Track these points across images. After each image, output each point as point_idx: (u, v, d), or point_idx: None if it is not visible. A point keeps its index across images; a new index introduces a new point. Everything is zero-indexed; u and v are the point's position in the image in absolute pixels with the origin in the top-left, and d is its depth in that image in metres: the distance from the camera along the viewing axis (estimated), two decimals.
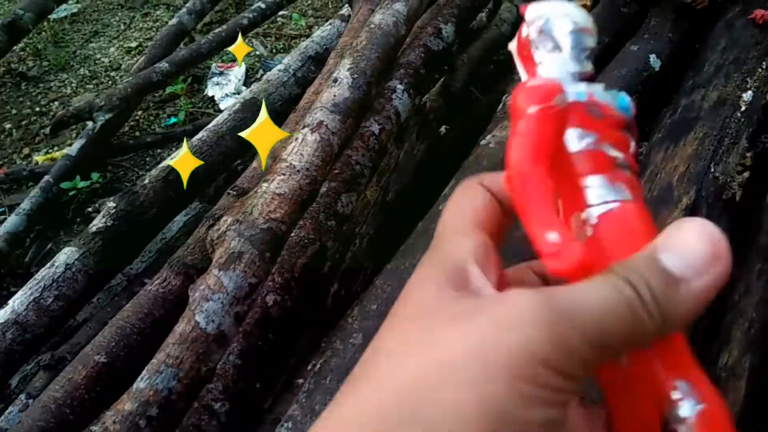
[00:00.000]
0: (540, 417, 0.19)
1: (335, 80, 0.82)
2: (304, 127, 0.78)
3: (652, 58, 1.00)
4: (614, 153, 0.23)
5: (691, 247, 0.20)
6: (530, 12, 0.25)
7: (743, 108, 0.90)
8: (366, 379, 0.21)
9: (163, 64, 1.43)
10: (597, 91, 0.24)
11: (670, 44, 1.04)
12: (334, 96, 0.80)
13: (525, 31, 0.25)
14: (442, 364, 0.19)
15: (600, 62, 1.04)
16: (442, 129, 1.35)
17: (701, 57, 1.01)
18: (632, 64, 0.99)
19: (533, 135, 0.22)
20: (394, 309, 0.23)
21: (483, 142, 0.91)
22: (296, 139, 0.77)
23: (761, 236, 0.83)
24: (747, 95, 0.92)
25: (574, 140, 0.23)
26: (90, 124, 1.60)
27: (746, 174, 0.84)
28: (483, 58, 1.38)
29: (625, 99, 0.25)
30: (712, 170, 0.83)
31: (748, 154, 0.86)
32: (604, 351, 0.20)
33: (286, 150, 0.76)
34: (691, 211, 0.78)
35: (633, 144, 0.25)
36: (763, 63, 0.96)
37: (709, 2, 1.05)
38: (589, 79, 0.25)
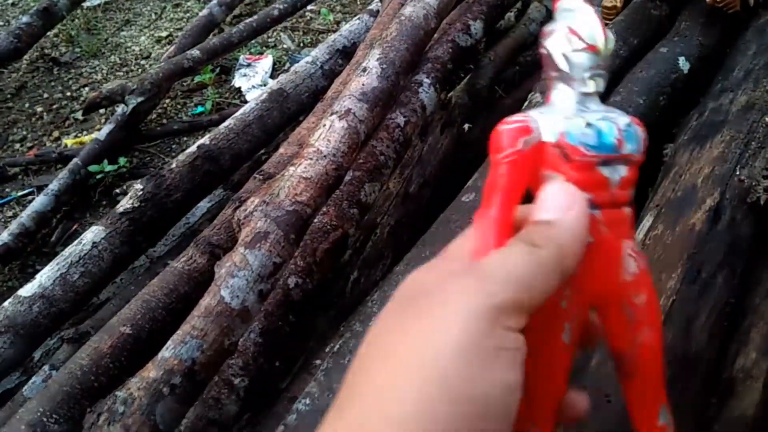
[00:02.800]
0: (505, 380, 0.22)
1: (364, 69, 0.83)
2: (332, 114, 0.79)
3: (681, 60, 1.00)
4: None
5: (548, 198, 0.25)
6: (544, 28, 0.26)
7: None
8: (352, 404, 0.23)
9: (195, 51, 1.46)
10: (576, 127, 0.24)
11: (700, 47, 1.03)
12: (363, 85, 0.81)
13: (540, 45, 0.26)
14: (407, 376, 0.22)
15: (629, 64, 1.04)
16: (466, 126, 1.36)
17: (731, 61, 1.00)
18: (661, 66, 0.99)
19: (497, 182, 0.25)
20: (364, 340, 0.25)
21: None
22: (324, 125, 0.78)
23: None
24: None
25: (546, 180, 0.25)
26: (119, 110, 1.63)
27: None
28: (509, 57, 1.38)
29: (609, 135, 0.24)
30: (738, 173, 0.82)
31: None
32: (530, 298, 0.23)
33: (313, 136, 0.77)
34: (715, 212, 0.78)
35: (617, 177, 0.25)
36: None
37: (741, 6, 1.05)
38: (602, 96, 0.26)
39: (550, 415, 0.25)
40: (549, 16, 1.43)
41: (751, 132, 0.87)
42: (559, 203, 0.25)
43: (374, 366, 0.23)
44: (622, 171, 0.25)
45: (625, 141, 0.25)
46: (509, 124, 0.24)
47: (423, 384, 0.21)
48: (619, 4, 1.13)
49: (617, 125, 0.24)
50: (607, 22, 1.13)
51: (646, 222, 0.80)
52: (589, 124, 0.24)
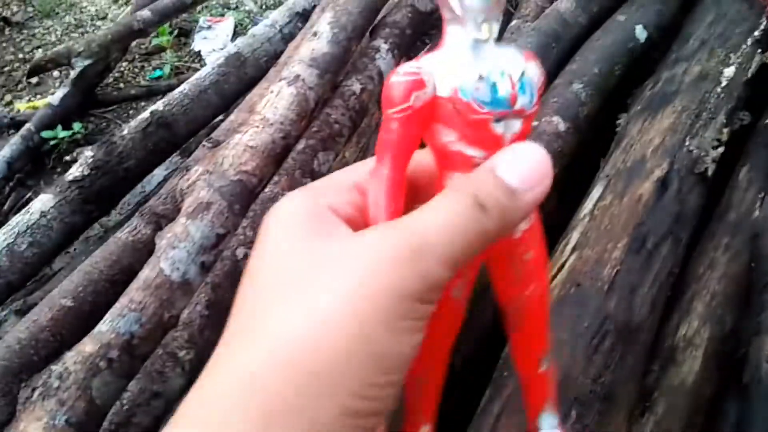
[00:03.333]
0: (413, 343, 0.21)
1: (315, 34, 0.81)
2: (280, 80, 0.77)
3: (639, 29, 1.00)
4: (474, 152, 0.23)
5: (526, 163, 0.23)
6: None
7: (724, 83, 0.90)
8: (245, 341, 0.22)
9: (146, 12, 1.41)
10: (469, 81, 0.23)
11: (659, 16, 1.03)
12: (313, 50, 0.79)
13: None
14: (317, 318, 0.21)
15: (588, 32, 1.03)
16: None
17: (687, 30, 1.00)
18: (618, 34, 0.99)
19: (390, 138, 0.23)
20: (253, 266, 0.24)
21: None
22: (272, 92, 0.76)
23: (730, 213, 0.84)
24: (729, 71, 0.92)
25: (438, 135, 0.24)
26: (72, 73, 1.57)
27: (721, 149, 0.84)
28: None
29: (503, 89, 0.23)
30: (687, 144, 0.83)
31: (725, 130, 0.86)
32: (458, 266, 0.22)
33: (260, 103, 0.75)
34: (663, 183, 0.79)
35: (510, 134, 0.24)
36: (748, 39, 0.96)
37: None
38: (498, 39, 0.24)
39: (440, 367, 0.26)
40: None
41: (703, 102, 0.88)
42: (530, 173, 0.23)
43: (277, 308, 0.22)
44: (515, 127, 0.24)
45: (519, 95, 0.23)
46: (401, 77, 0.23)
47: (345, 337, 0.20)
48: None
49: (511, 77, 0.23)
50: None
51: (596, 192, 0.80)
52: (481, 77, 0.23)
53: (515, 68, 0.24)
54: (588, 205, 0.79)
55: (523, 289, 0.26)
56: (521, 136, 0.24)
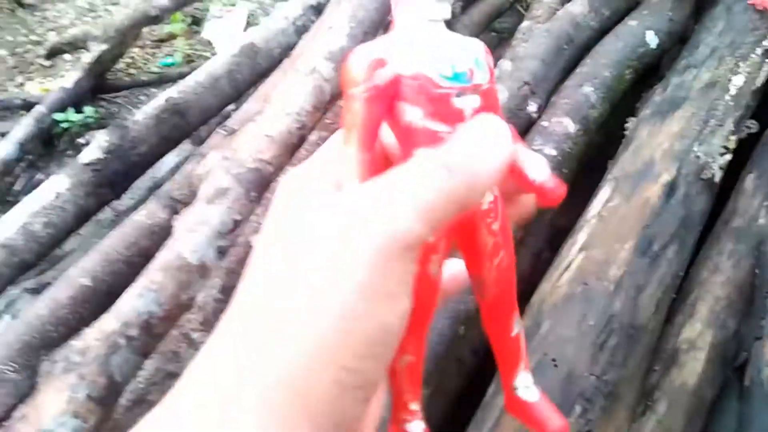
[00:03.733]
0: (397, 311, 0.22)
1: (331, 27, 0.83)
2: (297, 71, 0.78)
3: (650, 34, 1.01)
4: (439, 128, 0.24)
5: (485, 131, 0.24)
6: None
7: (732, 92, 0.92)
8: (239, 320, 0.22)
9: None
10: (430, 58, 0.23)
11: (669, 22, 1.04)
12: (329, 43, 0.80)
13: None
14: (302, 294, 0.21)
15: (599, 35, 1.05)
16: None
17: (697, 37, 1.01)
18: (629, 39, 1.00)
19: (355, 120, 0.23)
20: (257, 239, 0.25)
21: None
22: (289, 82, 0.77)
23: (735, 219, 0.86)
24: (738, 79, 0.93)
25: (403, 114, 0.24)
26: (86, 57, 1.59)
27: (728, 156, 0.85)
28: (485, 23, 1.38)
29: (462, 65, 0.24)
30: (695, 150, 0.85)
31: (733, 138, 0.88)
32: (432, 224, 0.22)
33: (277, 93, 0.77)
34: (670, 187, 0.81)
35: (470, 109, 0.24)
36: (757, 49, 0.97)
37: None
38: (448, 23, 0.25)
39: (421, 343, 0.27)
40: None
41: (711, 110, 0.89)
42: (493, 139, 0.24)
43: (269, 300, 0.22)
44: (474, 102, 0.24)
45: (476, 70, 0.24)
46: (363, 56, 0.23)
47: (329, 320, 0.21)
48: None
49: (466, 54, 0.24)
50: None
51: (604, 194, 0.82)
52: (440, 54, 0.24)
53: (469, 47, 0.25)
54: (596, 206, 0.81)
55: (493, 257, 0.27)
56: (479, 113, 0.25)
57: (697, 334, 0.77)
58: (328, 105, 0.83)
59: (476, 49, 0.25)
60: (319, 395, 0.20)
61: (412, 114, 0.24)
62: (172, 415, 0.21)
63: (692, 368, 0.73)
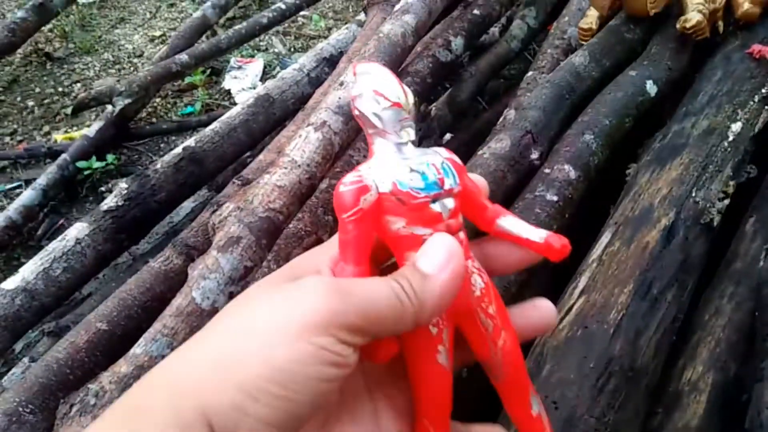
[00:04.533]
0: (317, 373, 0.25)
1: (341, 84, 0.87)
2: (308, 125, 0.82)
3: (649, 84, 1.04)
4: (422, 231, 0.28)
5: (435, 252, 0.28)
6: (353, 89, 0.29)
7: (731, 138, 0.94)
8: (195, 345, 0.27)
9: (183, 56, 1.49)
10: (403, 175, 0.28)
11: (668, 72, 1.07)
12: (339, 98, 0.85)
13: (353, 108, 0.30)
14: (248, 332, 0.26)
15: (600, 85, 1.08)
16: (447, 136, 1.40)
17: (697, 86, 1.04)
18: (629, 88, 1.03)
19: (348, 239, 0.28)
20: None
21: (480, 152, 0.96)
22: (300, 135, 0.81)
23: (736, 262, 0.87)
24: (736, 126, 0.96)
25: (389, 225, 0.28)
26: (109, 107, 1.66)
27: (726, 201, 0.87)
28: (491, 72, 1.42)
29: (431, 175, 0.28)
30: (694, 195, 0.87)
31: (731, 183, 0.90)
32: (374, 326, 0.26)
33: (289, 146, 0.81)
34: (669, 231, 0.82)
35: (447, 210, 0.29)
36: (756, 96, 1.00)
37: (710, 33, 1.09)
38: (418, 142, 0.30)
39: (444, 423, 0.30)
40: (530, 33, 1.48)
41: (710, 156, 0.91)
42: (439, 259, 0.28)
43: (229, 321, 0.28)
44: (449, 204, 0.29)
45: (445, 177, 0.29)
46: (348, 186, 0.28)
47: (264, 348, 0.25)
48: (594, 26, 1.17)
49: (435, 165, 0.28)
50: (583, 42, 1.17)
51: (604, 238, 0.84)
52: (412, 170, 0.28)
53: (435, 159, 0.29)
54: (597, 250, 0.83)
55: (495, 339, 0.30)
56: (457, 211, 0.29)
57: (699, 376, 0.77)
58: (337, 155, 0.87)
59: (441, 159, 0.29)
60: (218, 410, 0.24)
61: (397, 224, 0.28)
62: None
63: (694, 410, 0.74)
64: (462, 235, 0.29)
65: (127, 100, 1.37)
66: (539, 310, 0.31)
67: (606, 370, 0.69)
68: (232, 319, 0.27)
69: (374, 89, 0.28)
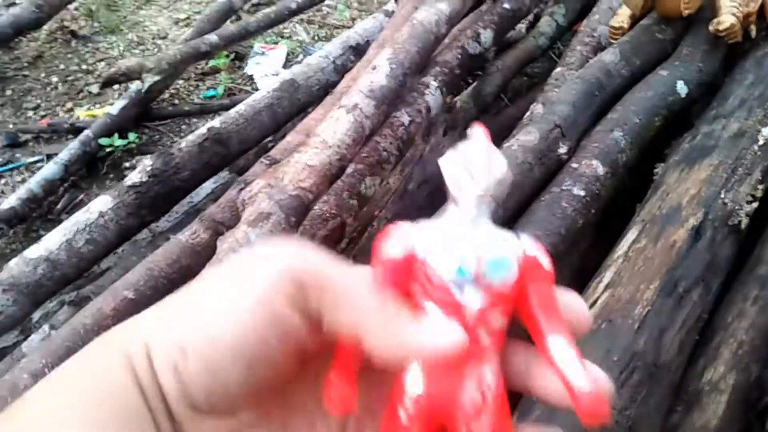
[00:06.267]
0: (260, 334, 0.23)
1: (374, 67, 0.87)
2: (340, 107, 0.83)
3: (680, 84, 1.04)
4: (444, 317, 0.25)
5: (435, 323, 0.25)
6: (447, 151, 0.27)
7: (761, 142, 0.94)
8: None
9: (213, 36, 1.49)
10: (440, 251, 0.25)
11: (699, 73, 1.07)
12: (371, 82, 0.85)
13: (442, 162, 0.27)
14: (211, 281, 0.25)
15: (630, 83, 1.08)
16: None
17: (727, 89, 1.04)
18: (659, 88, 1.03)
19: (378, 284, 0.25)
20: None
21: (507, 144, 0.96)
22: (332, 117, 0.82)
23: (761, 266, 0.87)
24: (766, 130, 0.95)
25: (415, 293, 0.26)
26: (133, 86, 1.67)
27: (755, 204, 0.87)
28: (517, 68, 1.42)
29: (469, 265, 0.25)
30: (722, 196, 0.86)
31: (760, 186, 0.89)
32: (331, 299, 0.24)
33: (320, 126, 0.81)
34: (697, 231, 0.82)
35: (474, 308, 0.25)
36: None
37: (742, 37, 1.08)
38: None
39: None
40: (559, 31, 1.47)
41: (740, 159, 0.91)
42: (438, 328, 0.25)
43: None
44: (478, 300, 0.25)
45: (488, 273, 0.25)
46: (393, 235, 0.26)
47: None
48: (626, 25, 1.16)
49: (482, 258, 0.25)
50: (613, 41, 1.17)
51: (631, 235, 0.84)
52: (450, 249, 0.25)
53: (494, 250, 0.25)
54: (623, 246, 0.83)
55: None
56: (488, 313, 0.25)
57: (720, 377, 0.77)
58: (367, 139, 0.87)
59: (508, 251, 0.25)
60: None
61: (420, 296, 0.26)
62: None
63: (714, 411, 0.73)
64: (486, 341, 0.25)
65: (156, 77, 1.37)
66: (572, 311, 0.26)
67: (629, 365, 0.69)
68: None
69: (467, 166, 0.26)
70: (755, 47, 1.10)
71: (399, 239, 0.26)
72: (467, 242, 0.25)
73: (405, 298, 0.26)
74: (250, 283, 0.24)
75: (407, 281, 0.26)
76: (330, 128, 0.81)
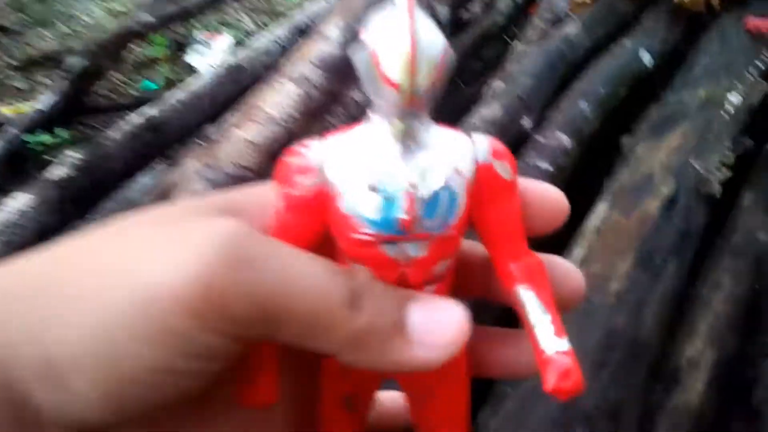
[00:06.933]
0: (162, 362, 0.17)
1: (323, 36, 0.79)
2: (285, 77, 0.75)
3: (644, 54, 1.00)
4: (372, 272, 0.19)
5: (440, 326, 0.20)
6: (362, 27, 0.18)
7: (729, 109, 0.90)
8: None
9: (145, 15, 1.39)
10: (355, 191, 0.18)
11: (663, 43, 1.04)
12: (321, 51, 0.77)
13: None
14: (87, 278, 0.17)
15: (593, 55, 1.03)
16: None
17: (692, 58, 1.01)
18: (624, 58, 0.99)
19: (278, 226, 0.19)
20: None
21: (469, 119, 0.90)
22: (276, 89, 0.74)
23: (734, 236, 0.83)
24: (734, 98, 0.92)
25: (335, 237, 0.20)
26: (62, 78, 1.54)
27: (727, 173, 0.83)
28: (473, 49, 1.36)
29: (396, 209, 0.18)
30: (694, 165, 0.82)
31: (730, 154, 0.85)
32: (274, 324, 0.17)
33: (263, 99, 0.73)
34: (670, 201, 0.77)
35: (407, 258, 0.19)
36: (752, 69, 0.96)
37: (705, 7, 1.05)
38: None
39: None
40: (516, 9, 1.42)
41: (709, 126, 0.87)
42: (442, 337, 0.19)
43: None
44: (414, 251, 0.19)
45: (423, 217, 0.18)
46: (290, 157, 0.19)
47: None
48: (589, 0, 1.12)
49: (414, 195, 0.18)
50: (574, 15, 1.12)
51: (601, 208, 0.78)
52: (373, 188, 0.18)
53: (433, 178, 0.18)
54: (594, 220, 0.77)
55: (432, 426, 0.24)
56: (426, 262, 0.19)
57: (698, 353, 0.72)
58: (317, 113, 0.79)
59: (451, 174, 0.18)
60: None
61: (341, 244, 0.19)
62: None
63: (694, 387, 0.68)
64: (431, 289, 0.20)
65: (84, 61, 1.26)
66: (564, 278, 0.22)
67: (608, 344, 0.64)
68: (80, 255, 0.18)
69: (374, 43, 0.17)
70: (718, 17, 1.07)
71: (306, 168, 0.18)
72: (396, 168, 0.18)
73: (321, 252, 0.18)
74: (140, 292, 0.16)
75: (318, 225, 0.19)
76: (274, 101, 0.73)
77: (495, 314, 0.60)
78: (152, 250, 0.17)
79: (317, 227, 0.19)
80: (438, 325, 0.19)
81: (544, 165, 0.82)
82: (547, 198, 0.21)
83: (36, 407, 0.17)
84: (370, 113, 0.18)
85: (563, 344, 0.19)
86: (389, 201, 0.18)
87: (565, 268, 0.22)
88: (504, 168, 0.19)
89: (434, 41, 0.17)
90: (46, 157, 1.50)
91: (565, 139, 0.85)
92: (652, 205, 0.77)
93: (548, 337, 0.19)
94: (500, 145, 0.19)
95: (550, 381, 0.18)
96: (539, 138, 0.85)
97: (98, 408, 0.17)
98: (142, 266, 0.17)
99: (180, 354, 0.16)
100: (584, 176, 0.89)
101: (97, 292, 0.17)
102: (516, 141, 0.87)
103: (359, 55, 0.17)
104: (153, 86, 1.79)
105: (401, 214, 0.18)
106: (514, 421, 0.59)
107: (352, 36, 0.86)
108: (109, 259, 0.18)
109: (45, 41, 2.00)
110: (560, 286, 0.21)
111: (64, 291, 0.17)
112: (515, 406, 0.59)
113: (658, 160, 0.82)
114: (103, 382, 0.16)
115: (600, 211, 0.78)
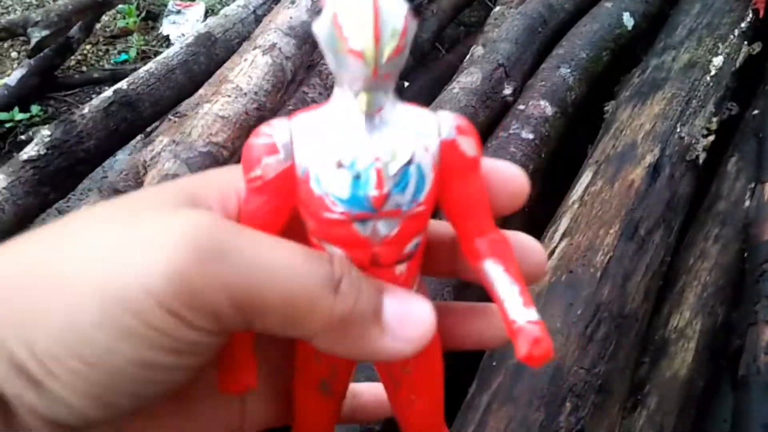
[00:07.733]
0: (140, 358, 0.17)
1: (293, 2, 0.76)
2: (255, 48, 0.72)
3: (626, 16, 0.97)
4: (335, 251, 0.20)
5: (413, 320, 0.20)
6: None
7: (713, 72, 0.88)
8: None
9: None
10: (325, 167, 0.18)
11: (645, 4, 1.01)
12: (291, 18, 0.74)
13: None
14: (58, 267, 0.17)
15: (574, 18, 1.00)
16: (404, 83, 1.30)
17: (674, 19, 0.98)
18: (605, 20, 0.96)
19: (246, 210, 0.19)
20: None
21: (449, 87, 0.87)
22: (245, 60, 0.71)
23: (719, 202, 0.82)
24: (717, 60, 0.90)
25: (303, 219, 0.20)
26: (29, 45, 1.49)
27: (711, 138, 0.82)
28: (453, 14, 1.33)
29: (366, 186, 0.18)
30: (678, 131, 0.81)
31: (714, 119, 0.84)
32: (250, 315, 0.17)
33: (233, 71, 0.70)
34: (654, 168, 0.76)
35: (379, 236, 0.19)
36: (735, 30, 0.94)
37: None
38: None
39: None
40: None
41: (693, 90, 0.85)
42: (414, 330, 0.20)
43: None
44: (385, 229, 0.19)
45: (393, 194, 0.18)
46: (256, 138, 0.18)
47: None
48: None
49: (382, 170, 0.18)
50: None
51: (585, 178, 0.77)
52: (341, 165, 0.17)
53: (400, 154, 0.18)
54: (577, 190, 0.76)
55: (407, 401, 0.24)
56: (399, 239, 0.19)
57: (686, 323, 0.72)
58: (289, 85, 0.77)
59: (418, 150, 0.18)
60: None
61: (307, 222, 0.19)
62: None
63: (682, 358, 0.68)
64: (401, 269, 0.20)
65: (45, 32, 1.20)
66: (526, 254, 0.22)
67: (595, 317, 0.63)
68: (45, 248, 0.18)
69: (336, 13, 0.16)
70: None
71: (272, 148, 0.18)
72: (360, 150, 0.17)
73: (290, 235, 0.18)
74: (114, 291, 0.16)
75: (288, 207, 0.19)
76: (245, 73, 0.70)
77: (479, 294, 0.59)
78: (124, 247, 0.17)
79: (287, 209, 0.19)
80: (410, 318, 0.19)
81: (527, 135, 0.80)
82: (508, 177, 0.21)
83: (10, 404, 0.17)
84: (335, 89, 0.18)
85: (532, 314, 0.19)
86: (358, 178, 0.17)
87: (528, 244, 0.22)
88: (469, 144, 0.19)
89: (397, 7, 0.17)
90: (21, 137, 1.46)
91: (547, 107, 0.83)
92: (637, 173, 0.75)
93: (518, 307, 0.19)
94: (464, 122, 0.19)
95: (522, 349, 0.19)
96: (521, 106, 0.83)
97: (77, 406, 0.17)
98: (114, 265, 0.17)
99: (159, 350, 0.17)
100: (568, 145, 0.88)
101: (69, 292, 0.16)
102: (498, 110, 0.85)
103: (321, 27, 0.17)
104: (126, 58, 1.74)
105: (371, 190, 0.18)
106: (503, 396, 0.58)
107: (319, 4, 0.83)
108: (80, 258, 0.17)
109: (10, 13, 1.93)
110: (523, 261, 0.21)
111: (34, 292, 0.17)
112: (504, 381, 0.59)
113: (642, 126, 0.81)
114: (81, 381, 0.16)
115: (584, 181, 0.77)
